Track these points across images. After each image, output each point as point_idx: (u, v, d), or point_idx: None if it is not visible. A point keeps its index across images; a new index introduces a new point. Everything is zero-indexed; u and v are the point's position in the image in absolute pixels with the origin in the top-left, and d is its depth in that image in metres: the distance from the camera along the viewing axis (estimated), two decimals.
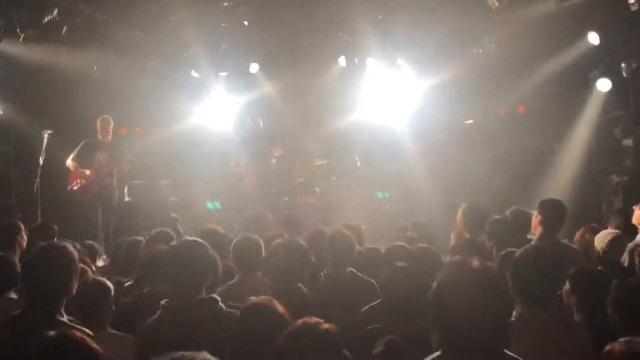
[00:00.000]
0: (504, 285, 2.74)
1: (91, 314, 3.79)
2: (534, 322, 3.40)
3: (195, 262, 3.58)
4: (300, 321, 2.78)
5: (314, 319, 2.78)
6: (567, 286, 3.91)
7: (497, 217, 5.87)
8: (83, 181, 9.37)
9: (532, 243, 5.14)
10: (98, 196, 9.42)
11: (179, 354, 2.01)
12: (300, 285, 4.18)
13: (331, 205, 11.11)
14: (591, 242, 5.34)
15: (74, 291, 3.44)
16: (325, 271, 5.06)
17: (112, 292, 4.02)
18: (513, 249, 4.59)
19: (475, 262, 2.68)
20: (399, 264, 4.16)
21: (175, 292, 3.57)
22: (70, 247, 3.54)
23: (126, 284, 4.82)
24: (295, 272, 4.33)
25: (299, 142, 12.02)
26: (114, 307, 4.04)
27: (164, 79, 11.74)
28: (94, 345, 2.75)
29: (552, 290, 3.56)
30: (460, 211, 6.20)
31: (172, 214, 6.24)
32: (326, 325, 2.74)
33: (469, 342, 2.57)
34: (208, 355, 1.97)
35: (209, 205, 10.97)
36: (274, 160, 10.31)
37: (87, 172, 9.41)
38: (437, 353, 2.67)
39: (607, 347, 2.65)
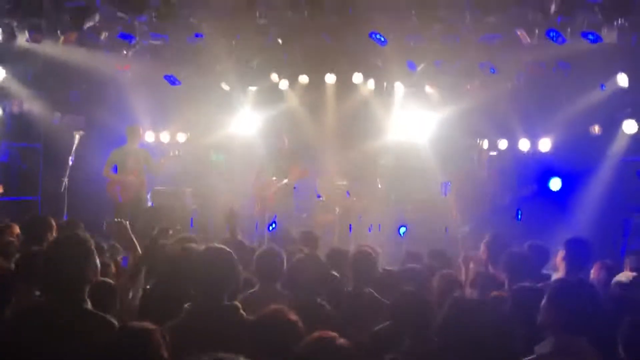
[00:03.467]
0: (507, 319, 2.85)
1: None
2: (572, 350, 3.44)
3: (220, 268, 3.71)
4: (317, 333, 2.85)
5: (330, 333, 2.83)
6: None
7: (515, 249, 5.86)
8: (120, 186, 9.82)
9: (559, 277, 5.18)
10: (131, 200, 9.77)
11: (217, 354, 2.01)
12: (319, 300, 4.25)
13: (349, 226, 11.17)
14: (603, 279, 5.42)
15: (94, 279, 3.53)
16: (347, 288, 5.13)
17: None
18: (527, 284, 4.66)
19: (478, 297, 2.83)
20: (406, 288, 4.22)
21: (199, 296, 3.68)
22: (84, 235, 3.65)
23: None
24: (315, 286, 4.39)
25: (322, 161, 12.10)
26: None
27: (194, 88, 11.93)
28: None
29: (589, 322, 3.58)
30: (483, 243, 6.18)
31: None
32: (341, 341, 2.80)
33: None
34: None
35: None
36: (295, 178, 10.37)
37: (124, 177, 9.84)
38: None
39: None
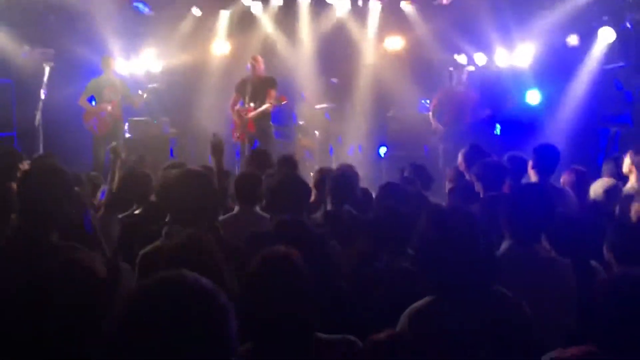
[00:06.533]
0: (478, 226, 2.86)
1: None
2: (520, 257, 3.44)
3: (197, 191, 3.64)
4: (266, 250, 2.72)
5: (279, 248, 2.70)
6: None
7: (489, 159, 5.85)
8: (97, 118, 9.83)
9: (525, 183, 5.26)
10: (109, 132, 9.77)
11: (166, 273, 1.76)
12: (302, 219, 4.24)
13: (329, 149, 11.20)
14: (573, 183, 5.51)
15: (70, 213, 3.33)
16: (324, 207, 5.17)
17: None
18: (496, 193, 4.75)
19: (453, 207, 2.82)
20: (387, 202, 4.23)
21: (177, 220, 3.63)
22: (63, 168, 3.43)
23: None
24: (298, 205, 4.39)
25: (299, 85, 11.96)
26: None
27: (162, 14, 11.61)
28: (99, 270, 2.63)
29: (539, 229, 3.57)
30: (461, 153, 6.28)
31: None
32: (289, 252, 2.66)
33: (459, 282, 2.72)
34: (197, 276, 1.83)
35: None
36: (272, 102, 10.22)
37: (103, 108, 9.82)
38: (427, 298, 2.80)
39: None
